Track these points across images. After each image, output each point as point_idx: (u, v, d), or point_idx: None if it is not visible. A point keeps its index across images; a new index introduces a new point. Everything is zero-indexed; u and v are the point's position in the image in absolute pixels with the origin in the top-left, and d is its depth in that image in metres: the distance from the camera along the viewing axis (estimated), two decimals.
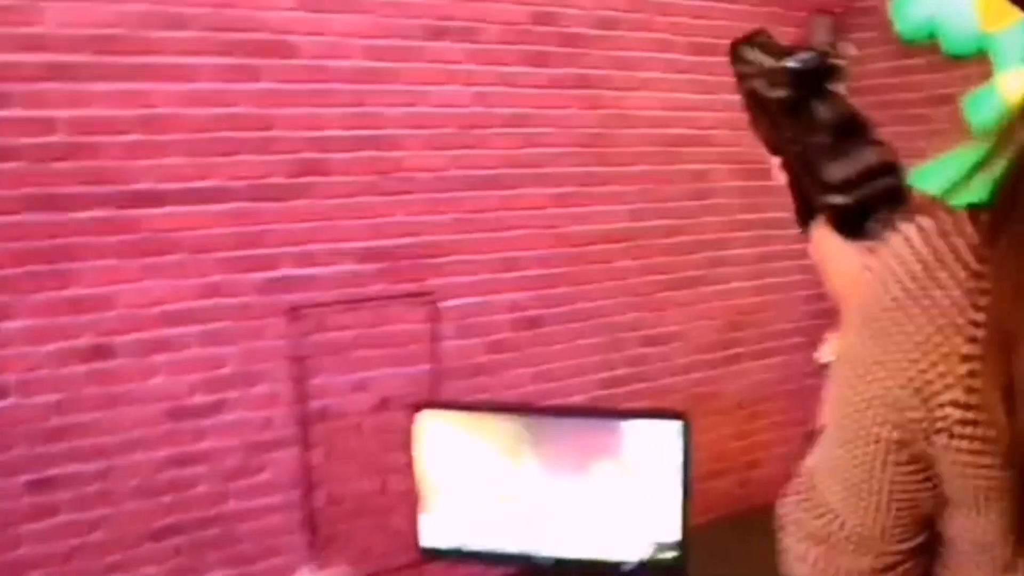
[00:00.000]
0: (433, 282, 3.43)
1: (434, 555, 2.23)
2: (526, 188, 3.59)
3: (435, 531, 2.21)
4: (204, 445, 3.06)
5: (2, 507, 2.78)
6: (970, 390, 0.75)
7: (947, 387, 0.76)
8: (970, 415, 0.75)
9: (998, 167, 0.74)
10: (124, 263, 2.89)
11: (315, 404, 3.24)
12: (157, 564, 3.02)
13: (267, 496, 3.18)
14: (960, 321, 0.75)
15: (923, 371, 0.77)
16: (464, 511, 2.19)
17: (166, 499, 3.01)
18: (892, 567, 0.91)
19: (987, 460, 0.75)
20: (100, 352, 2.88)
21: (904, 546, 0.90)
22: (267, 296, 3.11)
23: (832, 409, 0.91)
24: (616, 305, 3.85)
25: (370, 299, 3.30)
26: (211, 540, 3.10)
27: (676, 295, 4.02)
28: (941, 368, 0.76)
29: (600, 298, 3.81)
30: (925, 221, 0.79)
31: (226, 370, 3.09)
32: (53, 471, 2.84)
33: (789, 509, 0.99)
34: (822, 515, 0.93)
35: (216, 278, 3.03)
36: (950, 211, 0.78)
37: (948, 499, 0.85)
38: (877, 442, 0.84)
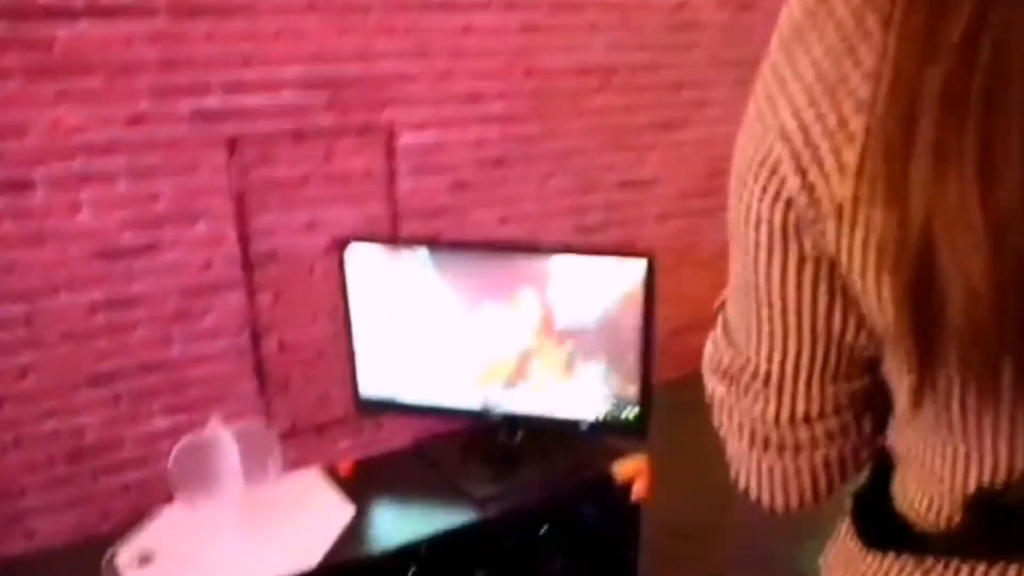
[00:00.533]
0: (388, 115, 3.13)
1: (376, 407, 2.02)
2: (492, 13, 3.26)
3: (378, 382, 1.99)
4: (138, 288, 2.82)
5: None
6: (864, 154, 0.53)
7: (835, 148, 0.55)
8: (863, 191, 0.53)
9: None
10: (35, 86, 2.58)
11: (262, 245, 2.99)
12: (95, 412, 2.82)
13: (212, 342, 2.97)
14: (861, 48, 0.53)
15: (805, 124, 0.56)
16: (412, 359, 1.97)
17: (101, 344, 2.79)
18: (808, 420, 0.68)
19: (887, 265, 0.53)
20: (16, 185, 2.60)
21: (827, 391, 0.67)
22: (201, 126, 2.82)
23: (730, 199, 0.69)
24: (590, 146, 3.58)
25: (318, 131, 3.01)
26: (153, 387, 2.90)
27: (655, 138, 3.74)
28: (831, 120, 0.55)
29: (573, 138, 3.54)
30: None
31: (159, 207, 2.82)
32: None
33: (707, 349, 0.77)
34: (728, 346, 0.72)
35: (142, 105, 2.73)
36: None
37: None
38: (759, 231, 0.64)
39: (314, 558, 1.63)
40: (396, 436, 2.91)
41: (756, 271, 0.66)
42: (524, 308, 1.93)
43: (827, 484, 0.72)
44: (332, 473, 1.92)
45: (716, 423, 0.76)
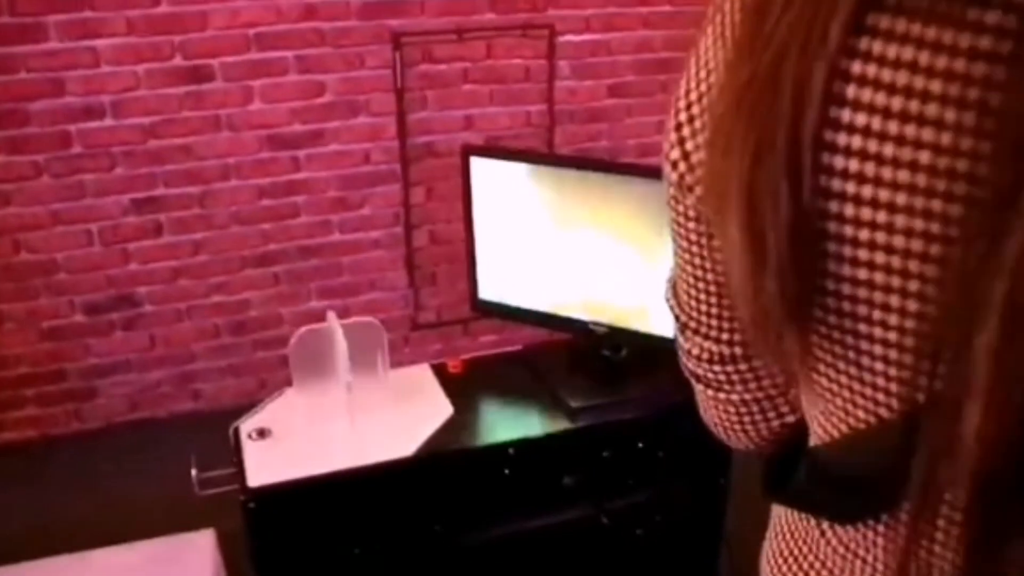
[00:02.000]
0: (552, 14, 3.12)
1: (491, 309, 2.09)
2: None
3: (497, 286, 2.05)
4: (302, 175, 3.00)
5: (110, 224, 2.85)
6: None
7: (696, 131, 0.61)
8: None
9: None
10: None
11: (419, 140, 3.09)
12: (258, 289, 3.06)
13: (367, 231, 3.13)
14: (728, 35, 0.57)
15: (691, 99, 0.61)
16: (528, 269, 2.02)
17: (266, 226, 3.01)
18: (722, 361, 0.73)
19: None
20: (196, 74, 2.80)
21: (732, 338, 0.71)
22: (369, 21, 2.91)
23: None
24: None
25: (482, 29, 3.04)
26: (312, 270, 3.11)
27: None
28: (705, 100, 0.59)
29: None
30: None
31: (325, 98, 2.96)
32: (156, 191, 2.86)
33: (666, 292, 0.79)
34: (670, 291, 0.76)
35: None
36: None
37: None
38: (669, 188, 0.66)
39: (411, 448, 1.76)
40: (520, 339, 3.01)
41: (671, 223, 0.69)
42: (640, 230, 1.93)
43: (758, 424, 0.77)
44: (441, 370, 2.03)
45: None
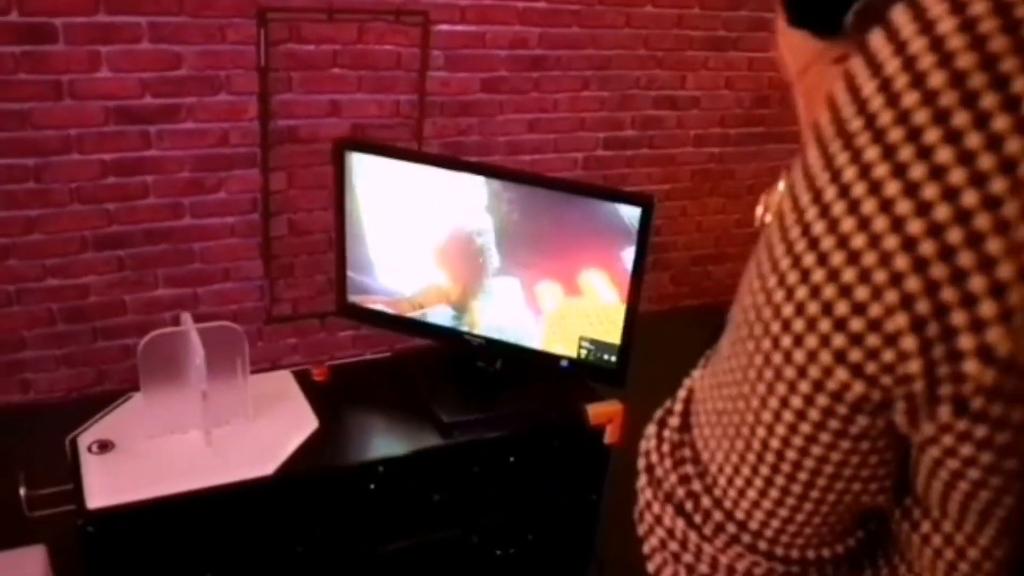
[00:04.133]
0: (427, 1, 3.01)
1: (359, 313, 1.99)
2: None
3: (364, 287, 1.96)
4: (154, 153, 2.79)
5: None
6: (1013, 333, 0.39)
7: (977, 323, 0.40)
8: (1010, 383, 0.40)
9: None
10: None
11: (281, 123, 2.93)
12: (99, 274, 2.83)
13: (222, 217, 2.95)
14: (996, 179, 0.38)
15: (935, 281, 0.41)
16: (402, 271, 1.93)
17: (110, 206, 2.78)
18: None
19: (1010, 465, 0.43)
20: (35, 33, 2.54)
21: (810, 554, 0.57)
22: None
23: (741, 299, 0.54)
24: (632, 57, 3.43)
25: (354, 11, 2.91)
26: (159, 256, 2.90)
27: (702, 56, 3.57)
28: (976, 283, 0.40)
29: (615, 47, 3.39)
30: (935, 7, 0.40)
31: (182, 71, 2.75)
32: None
33: (651, 444, 0.64)
34: (691, 467, 0.59)
35: None
36: None
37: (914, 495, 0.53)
38: (811, 400, 0.49)
39: (272, 466, 1.64)
40: (386, 342, 2.92)
41: (791, 436, 0.52)
42: (513, 237, 1.87)
43: None
44: (305, 378, 1.91)
45: (650, 548, 0.64)
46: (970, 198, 0.38)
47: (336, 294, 2.00)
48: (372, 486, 1.74)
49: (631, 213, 1.77)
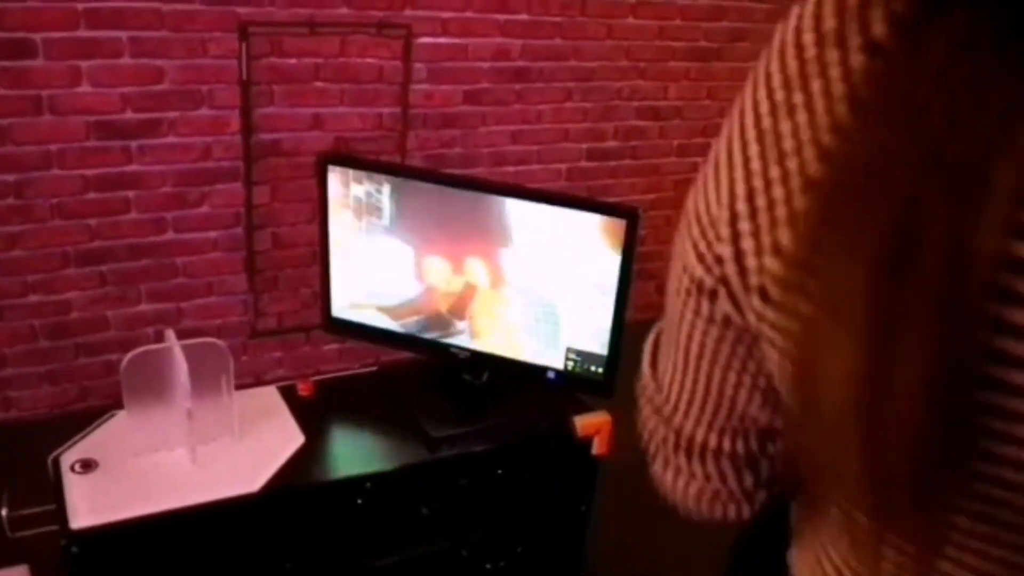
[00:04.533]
0: (409, 14, 3.01)
1: (345, 328, 1.98)
2: None
3: (350, 301, 1.94)
4: (136, 168, 2.77)
5: None
6: (803, 239, 0.47)
7: (773, 223, 0.50)
8: (794, 276, 0.48)
9: None
10: None
11: (264, 137, 2.92)
12: (82, 290, 2.81)
13: (205, 231, 2.93)
14: (823, 119, 0.46)
15: (753, 189, 0.51)
16: (386, 285, 1.92)
17: (92, 222, 2.76)
18: (689, 453, 0.68)
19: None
20: (16, 48, 2.53)
21: (710, 440, 0.67)
22: (214, 6, 2.72)
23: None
24: (614, 68, 3.45)
25: (336, 24, 2.90)
26: (142, 271, 2.88)
27: (684, 66, 3.59)
28: (777, 191, 0.49)
29: (598, 58, 3.40)
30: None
31: (163, 86, 2.74)
32: None
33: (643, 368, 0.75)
34: (650, 368, 0.72)
35: None
36: None
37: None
38: (680, 282, 0.61)
39: (258, 482, 1.63)
40: (372, 354, 2.90)
41: (675, 316, 0.63)
42: (498, 249, 1.87)
43: (713, 511, 0.71)
44: (290, 393, 1.90)
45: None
46: (784, 126, 0.48)
47: (321, 308, 1.99)
48: (360, 501, 1.73)
49: (617, 224, 1.78)
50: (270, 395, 1.87)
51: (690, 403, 0.66)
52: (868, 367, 0.42)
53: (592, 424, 1.93)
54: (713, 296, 0.57)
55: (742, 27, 3.62)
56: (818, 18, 0.48)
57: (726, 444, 0.66)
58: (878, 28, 0.44)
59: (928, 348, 0.40)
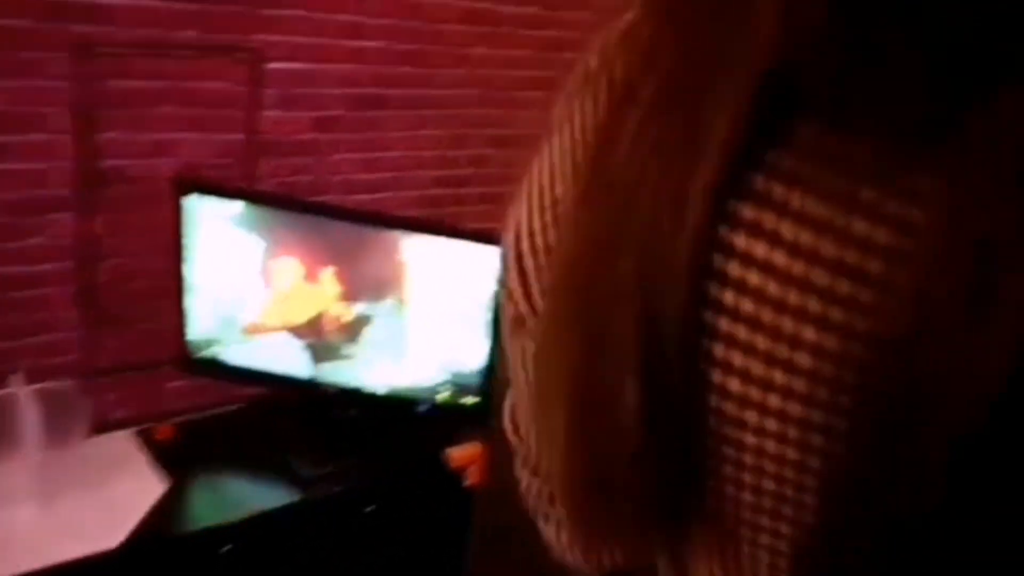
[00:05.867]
0: (258, 38, 2.94)
1: (205, 367, 1.90)
2: None
3: (207, 337, 1.87)
4: None
5: None
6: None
7: (537, 258, 0.53)
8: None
9: None
10: None
11: (104, 164, 2.77)
12: None
13: (38, 264, 2.75)
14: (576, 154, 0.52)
15: (534, 222, 0.54)
16: (240, 320, 1.85)
17: None
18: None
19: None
20: None
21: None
22: (48, 23, 2.56)
23: None
24: (466, 97, 3.47)
25: (182, 47, 2.79)
26: None
27: (532, 95, 3.66)
28: (538, 223, 0.53)
29: (449, 86, 3.42)
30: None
31: None
32: None
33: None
34: (520, 437, 0.68)
35: None
36: None
37: None
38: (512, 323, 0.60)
39: (118, 537, 1.53)
40: (227, 391, 2.79)
41: (518, 363, 0.62)
42: (364, 279, 1.84)
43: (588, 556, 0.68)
44: (148, 437, 1.80)
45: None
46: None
47: (175, 344, 1.90)
48: (229, 547, 1.66)
49: (488, 252, 1.78)
50: (125, 441, 1.77)
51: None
52: (587, 375, 0.43)
53: (465, 455, 1.93)
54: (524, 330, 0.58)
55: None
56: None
57: None
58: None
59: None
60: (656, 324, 0.39)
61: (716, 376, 0.41)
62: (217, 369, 1.87)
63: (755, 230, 0.38)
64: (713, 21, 0.40)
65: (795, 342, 0.38)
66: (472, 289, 1.79)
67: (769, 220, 0.38)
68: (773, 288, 0.38)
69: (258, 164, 3.04)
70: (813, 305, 0.37)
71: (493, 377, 1.86)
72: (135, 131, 2.79)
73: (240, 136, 2.99)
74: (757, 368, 0.39)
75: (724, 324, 0.40)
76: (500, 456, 2.04)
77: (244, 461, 1.78)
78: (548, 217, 0.51)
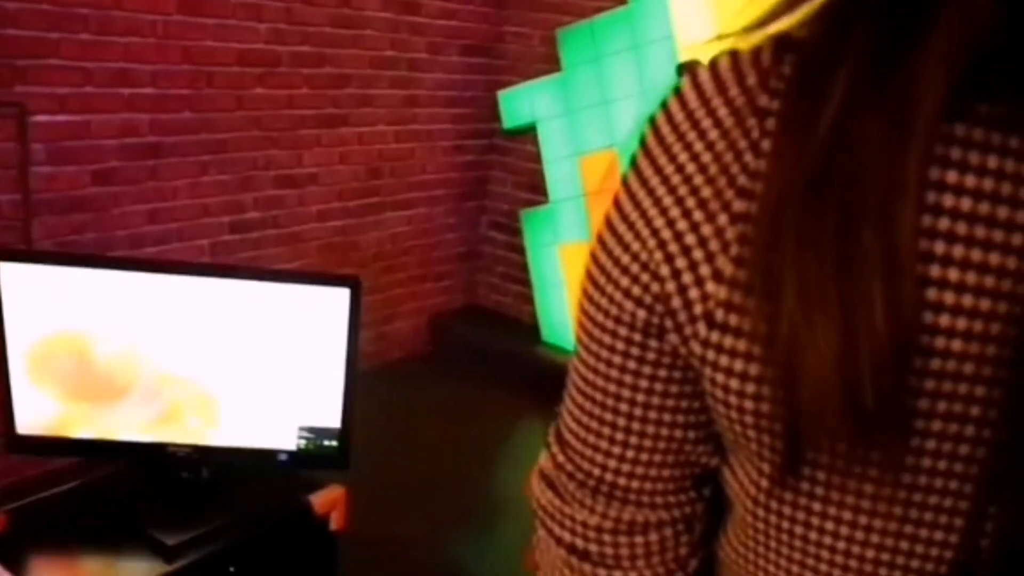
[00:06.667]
0: (21, 90, 2.73)
1: (37, 447, 1.74)
2: None
3: (34, 415, 1.71)
4: None
5: None
6: (740, 261, 0.55)
7: (709, 255, 0.57)
8: (736, 297, 0.56)
9: None
10: None
11: None
12: None
13: None
14: (734, 168, 0.56)
15: (680, 232, 0.58)
16: (72, 389, 1.72)
17: None
18: (631, 531, 0.69)
19: (754, 370, 0.56)
20: None
21: (656, 501, 0.68)
22: None
23: (579, 305, 0.68)
24: (248, 139, 3.38)
25: None
26: None
27: (315, 133, 3.63)
28: (705, 229, 0.57)
29: (230, 130, 3.32)
30: (721, 59, 0.59)
31: None
32: None
33: (541, 461, 0.74)
34: (561, 452, 0.70)
35: None
36: (750, 49, 0.58)
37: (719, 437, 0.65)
38: (615, 333, 0.63)
39: None
40: (64, 466, 2.54)
41: (608, 370, 0.65)
42: (205, 334, 1.76)
43: None
44: None
45: (536, 537, 0.74)
46: (698, 179, 0.57)
47: (4, 428, 1.73)
48: None
49: (338, 294, 1.76)
50: None
51: (634, 463, 0.67)
52: (843, 344, 0.50)
53: (328, 500, 1.88)
54: (661, 333, 0.61)
55: (367, 93, 3.74)
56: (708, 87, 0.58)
57: (671, 498, 0.68)
58: (763, 100, 0.56)
59: (881, 312, 0.49)
60: (894, 244, 0.48)
61: (931, 294, 0.50)
62: (46, 446, 1.72)
63: (958, 189, 0.49)
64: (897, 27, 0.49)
65: (1006, 248, 0.49)
66: (328, 334, 1.76)
67: (970, 181, 0.49)
68: (984, 209, 0.49)
69: (33, 225, 2.82)
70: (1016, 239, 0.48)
71: (351, 419, 1.83)
72: None
73: (10, 196, 2.76)
74: (970, 278, 0.49)
75: (940, 247, 0.49)
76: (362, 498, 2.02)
77: (98, 539, 1.64)
78: (698, 196, 0.57)
